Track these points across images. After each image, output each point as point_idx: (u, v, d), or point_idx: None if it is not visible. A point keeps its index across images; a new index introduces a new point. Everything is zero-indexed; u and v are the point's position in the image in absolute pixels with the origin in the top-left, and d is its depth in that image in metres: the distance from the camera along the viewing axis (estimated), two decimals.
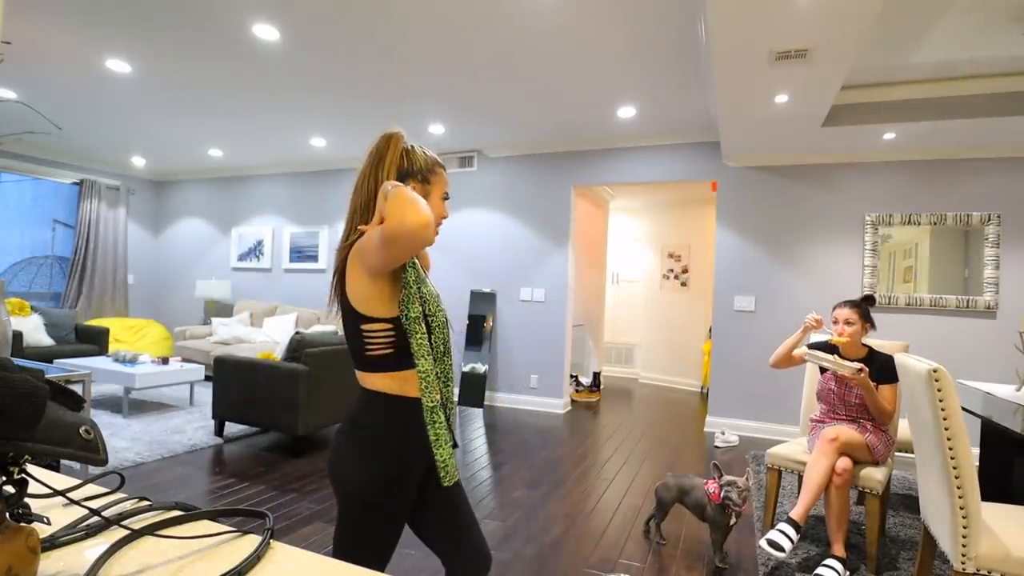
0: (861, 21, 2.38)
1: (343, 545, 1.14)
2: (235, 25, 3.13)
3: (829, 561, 2.25)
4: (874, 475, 2.36)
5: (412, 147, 1.24)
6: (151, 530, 0.62)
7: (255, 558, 0.58)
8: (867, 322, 2.54)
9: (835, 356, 2.42)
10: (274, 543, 0.63)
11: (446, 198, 1.28)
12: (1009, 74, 3.41)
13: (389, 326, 1.12)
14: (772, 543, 2.16)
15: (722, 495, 2.28)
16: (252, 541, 0.62)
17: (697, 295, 6.91)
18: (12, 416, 0.43)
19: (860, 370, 2.35)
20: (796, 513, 2.24)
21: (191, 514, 0.67)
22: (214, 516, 0.68)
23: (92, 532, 0.61)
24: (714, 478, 2.38)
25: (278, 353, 4.00)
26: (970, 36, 2.99)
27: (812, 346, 2.65)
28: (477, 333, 5.56)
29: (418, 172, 1.22)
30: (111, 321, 6.56)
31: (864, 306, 2.55)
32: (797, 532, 2.20)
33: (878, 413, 2.43)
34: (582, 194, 5.91)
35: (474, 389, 5.45)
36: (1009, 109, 3.43)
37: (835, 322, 2.56)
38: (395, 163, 1.19)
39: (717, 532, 2.35)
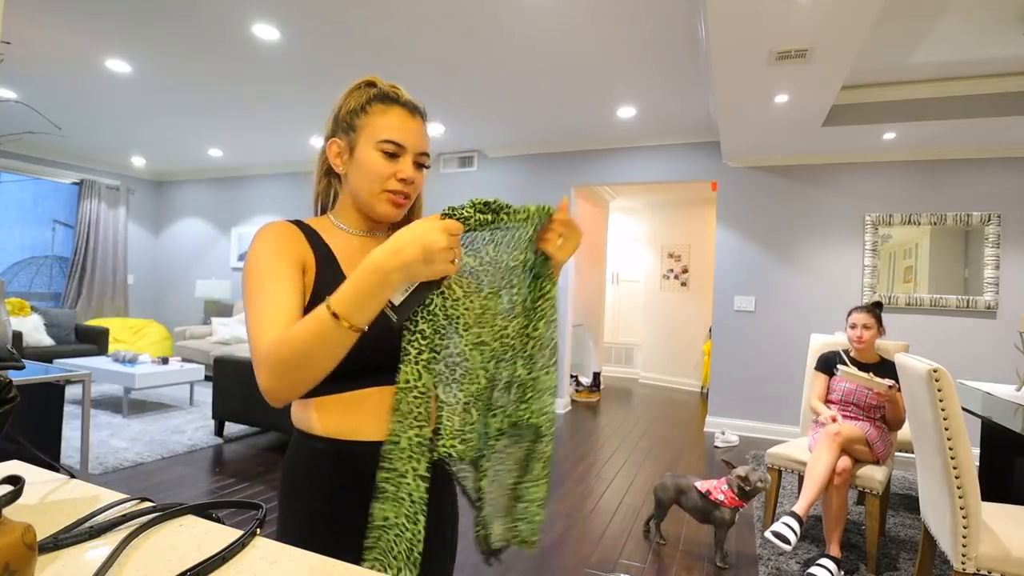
0: (861, 21, 2.38)
1: None
2: (235, 25, 3.13)
3: (823, 561, 2.26)
4: (874, 475, 2.36)
5: (373, 84, 0.89)
6: (152, 530, 0.62)
7: (239, 545, 0.59)
8: (880, 326, 2.63)
9: (869, 374, 2.47)
10: (263, 539, 0.63)
11: (391, 151, 0.83)
12: (1009, 74, 3.40)
13: None
14: (778, 535, 2.16)
15: (754, 481, 2.29)
16: (254, 534, 0.63)
17: (697, 295, 6.91)
18: None
19: (891, 387, 2.40)
20: (799, 507, 2.25)
21: (189, 507, 0.67)
22: (210, 508, 0.69)
23: (95, 533, 0.61)
24: (726, 477, 2.40)
25: None
26: (970, 36, 2.99)
27: (826, 357, 2.73)
28: None
29: (343, 120, 0.87)
30: (111, 321, 6.56)
31: (876, 311, 2.64)
32: (800, 526, 2.21)
33: (894, 420, 2.50)
34: (582, 194, 5.91)
35: None
36: (1010, 109, 3.43)
37: (852, 326, 2.63)
38: (332, 115, 0.90)
39: (721, 530, 2.36)
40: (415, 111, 0.87)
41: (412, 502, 0.72)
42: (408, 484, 0.72)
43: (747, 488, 2.31)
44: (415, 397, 0.75)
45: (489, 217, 0.71)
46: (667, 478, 2.56)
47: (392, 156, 0.84)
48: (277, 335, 0.70)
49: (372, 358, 0.79)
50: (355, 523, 0.79)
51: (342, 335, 0.67)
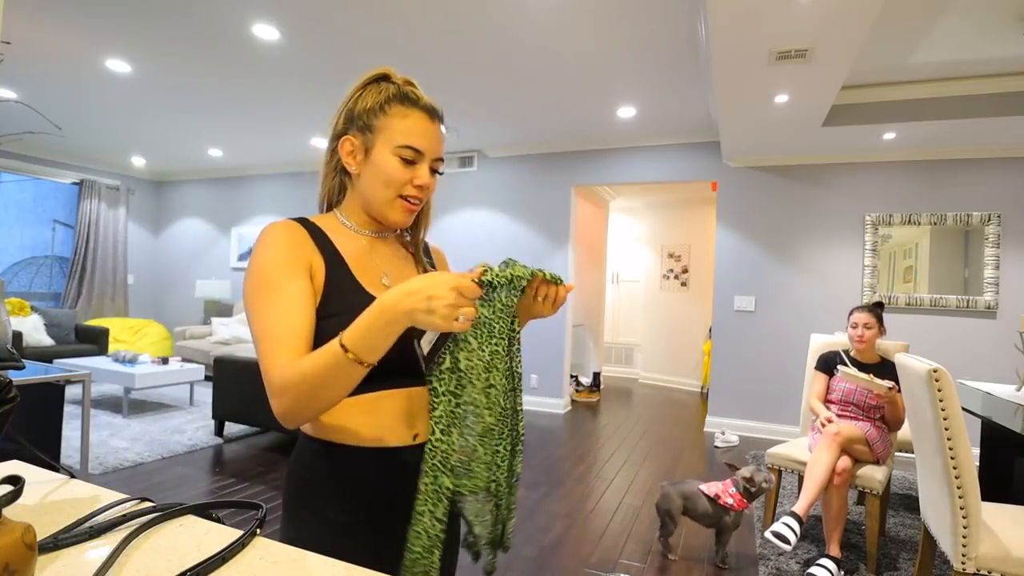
0: (861, 21, 2.38)
1: None
2: (235, 25, 3.13)
3: (823, 561, 2.26)
4: (874, 475, 2.36)
5: (387, 78, 0.86)
6: (152, 530, 0.61)
7: (239, 545, 0.60)
8: (881, 326, 2.63)
9: (870, 375, 2.47)
10: (263, 539, 0.63)
11: (410, 157, 0.82)
12: (1010, 74, 3.40)
13: None
14: (778, 535, 2.16)
15: (759, 482, 2.32)
16: (254, 534, 0.63)
17: (697, 295, 6.91)
18: None
19: (891, 388, 2.40)
20: (799, 507, 2.25)
21: (189, 507, 0.67)
22: (210, 508, 0.69)
23: (95, 533, 0.61)
24: (731, 479, 2.39)
25: None
26: (970, 36, 2.99)
27: (826, 357, 2.73)
28: None
29: (358, 117, 0.83)
30: (111, 321, 6.56)
31: (878, 311, 2.64)
32: (800, 526, 2.21)
33: (893, 420, 2.50)
34: (582, 194, 5.91)
35: None
36: (1010, 109, 3.43)
37: (854, 326, 2.63)
38: (344, 109, 0.86)
39: (726, 532, 2.36)
40: (434, 115, 0.85)
41: (429, 537, 0.78)
42: (424, 523, 0.78)
43: (752, 489, 2.31)
44: (441, 453, 0.80)
45: (508, 275, 0.76)
46: (667, 487, 2.47)
47: (409, 162, 0.82)
48: (289, 365, 0.70)
49: (384, 363, 0.80)
50: (364, 526, 0.81)
51: (353, 370, 0.68)
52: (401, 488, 0.83)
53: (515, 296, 0.83)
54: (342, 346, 0.67)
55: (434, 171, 0.86)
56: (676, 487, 2.47)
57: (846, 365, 2.61)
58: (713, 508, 2.35)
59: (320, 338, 0.79)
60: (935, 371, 1.69)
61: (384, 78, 0.86)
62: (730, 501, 2.32)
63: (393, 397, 0.83)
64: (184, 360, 5.26)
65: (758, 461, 3.86)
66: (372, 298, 0.83)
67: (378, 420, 0.82)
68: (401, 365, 0.82)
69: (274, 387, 0.70)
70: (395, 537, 0.82)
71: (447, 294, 0.65)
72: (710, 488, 2.39)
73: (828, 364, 2.69)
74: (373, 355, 0.68)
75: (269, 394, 0.71)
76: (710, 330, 5.58)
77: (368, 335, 0.67)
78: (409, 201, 0.84)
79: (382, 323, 0.67)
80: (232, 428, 4.14)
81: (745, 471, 2.33)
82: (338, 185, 0.90)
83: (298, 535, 0.83)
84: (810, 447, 2.56)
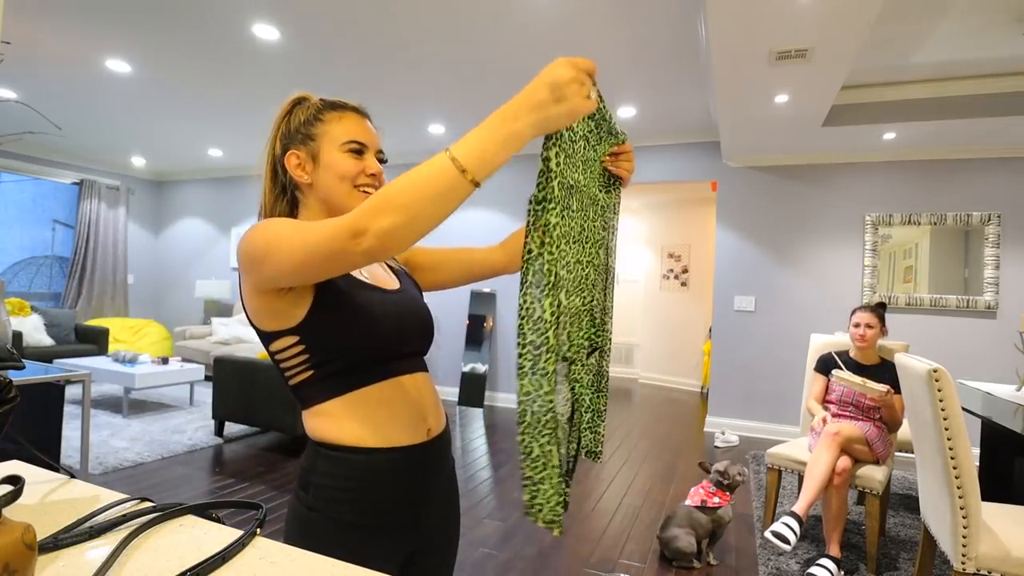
0: (861, 21, 2.38)
1: None
2: (235, 25, 3.13)
3: (823, 561, 2.26)
4: (874, 475, 2.36)
5: (307, 99, 0.91)
6: (152, 530, 0.61)
7: (239, 545, 0.60)
8: (883, 326, 2.64)
9: (863, 380, 2.48)
10: (262, 539, 0.63)
11: (357, 149, 0.86)
12: (1010, 74, 3.40)
13: None
14: (777, 535, 2.16)
15: (733, 474, 2.38)
16: (254, 534, 0.63)
17: (697, 295, 6.90)
18: None
19: (887, 392, 2.40)
20: (799, 507, 2.25)
21: (189, 507, 0.67)
22: (210, 508, 0.69)
23: (95, 533, 0.61)
24: (704, 480, 2.42)
25: None
26: (971, 36, 2.99)
27: (824, 358, 2.73)
28: (477, 333, 5.55)
29: (296, 133, 0.87)
30: (111, 321, 6.56)
31: (880, 311, 2.65)
32: (800, 526, 2.21)
33: (891, 422, 2.51)
34: None
35: (474, 389, 5.45)
36: (1009, 109, 3.43)
37: (856, 325, 2.64)
38: (278, 134, 0.89)
39: (721, 529, 2.39)
40: (364, 113, 0.92)
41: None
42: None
43: (726, 481, 2.37)
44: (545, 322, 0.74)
45: (601, 106, 0.79)
46: (675, 519, 2.39)
47: (357, 154, 0.87)
48: (377, 192, 0.65)
49: (404, 339, 0.86)
50: (385, 524, 0.83)
51: (463, 188, 0.64)
52: (420, 483, 0.86)
53: (594, 150, 0.86)
54: (452, 159, 0.63)
55: (381, 161, 0.91)
56: (682, 513, 2.39)
57: (840, 368, 2.61)
58: (708, 516, 2.36)
59: (321, 335, 0.79)
60: (935, 371, 1.69)
61: (304, 100, 0.91)
62: (716, 500, 2.34)
63: (399, 387, 0.85)
64: (184, 360, 5.26)
65: (758, 461, 3.86)
66: (369, 286, 0.86)
67: (388, 418, 0.83)
68: (415, 345, 0.89)
69: (371, 208, 0.62)
70: (416, 530, 0.87)
71: (565, 70, 0.60)
72: (693, 498, 2.39)
73: (827, 366, 2.70)
74: (485, 173, 0.64)
75: (354, 229, 0.62)
76: (710, 330, 5.58)
77: (484, 152, 0.63)
78: (365, 190, 0.88)
79: (500, 137, 0.62)
80: (232, 428, 4.14)
81: (719, 465, 2.40)
82: (289, 203, 0.90)
83: (310, 541, 0.78)
84: (810, 447, 2.56)
